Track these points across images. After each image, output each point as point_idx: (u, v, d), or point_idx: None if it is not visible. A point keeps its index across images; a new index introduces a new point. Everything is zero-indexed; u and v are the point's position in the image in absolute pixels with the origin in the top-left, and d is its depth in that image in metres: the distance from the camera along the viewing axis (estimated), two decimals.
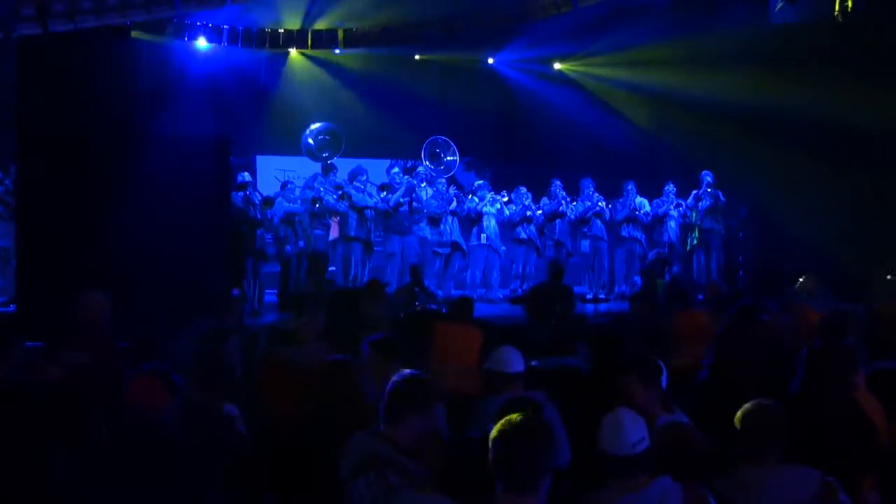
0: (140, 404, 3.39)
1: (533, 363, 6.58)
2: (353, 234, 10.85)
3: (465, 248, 11.53)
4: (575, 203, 12.08)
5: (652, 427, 3.21)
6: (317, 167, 11.87)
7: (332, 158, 11.75)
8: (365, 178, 11.14)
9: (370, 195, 11.00)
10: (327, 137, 11.96)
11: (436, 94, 14.46)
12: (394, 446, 3.13)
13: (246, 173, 10.40)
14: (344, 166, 11.74)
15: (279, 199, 10.48)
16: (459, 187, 12.80)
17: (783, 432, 3.22)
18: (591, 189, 12.12)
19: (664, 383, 3.99)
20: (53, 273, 7.56)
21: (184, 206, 7.95)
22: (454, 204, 11.47)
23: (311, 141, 11.87)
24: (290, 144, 12.95)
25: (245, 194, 10.06)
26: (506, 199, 11.83)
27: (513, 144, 14.77)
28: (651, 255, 11.17)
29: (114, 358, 4.86)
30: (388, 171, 11.90)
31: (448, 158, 12.07)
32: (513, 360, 4.53)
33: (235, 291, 6.61)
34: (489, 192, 11.81)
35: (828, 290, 7.55)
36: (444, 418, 3.98)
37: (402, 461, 3.09)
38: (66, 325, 5.06)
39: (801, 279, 7.73)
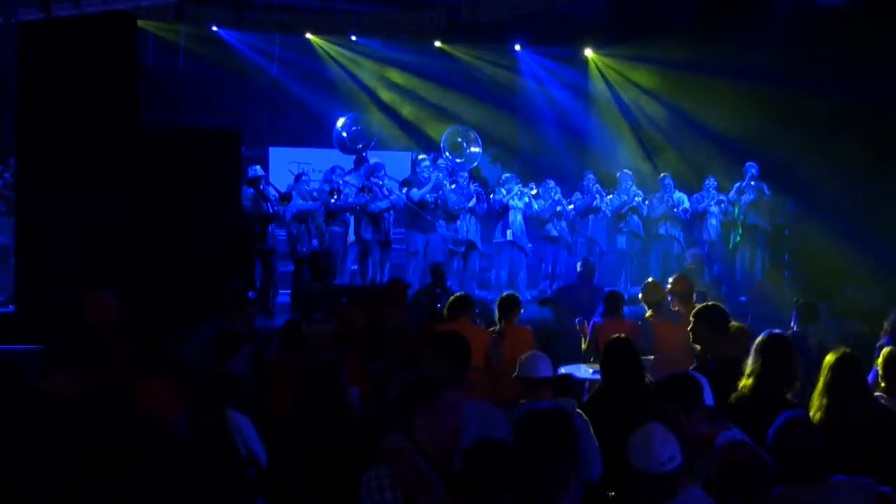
0: (152, 411, 3.41)
1: (563, 370, 6.64)
2: (369, 237, 10.88)
3: (480, 247, 11.53)
4: (610, 197, 12.04)
5: (709, 446, 3.22)
6: (334, 160, 11.90)
7: (366, 149, 11.78)
8: (383, 173, 11.17)
9: (389, 191, 11.00)
10: (358, 127, 12.06)
11: (460, 83, 14.47)
12: (415, 445, 3.19)
13: (258, 166, 10.47)
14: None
15: (292, 193, 10.51)
16: (483, 182, 12.82)
17: (823, 445, 3.20)
18: (629, 182, 12.09)
19: (709, 398, 3.85)
20: (54, 271, 7.63)
21: (192, 202, 8.01)
22: (473, 201, 11.44)
23: (344, 134, 11.99)
24: (304, 135, 13.04)
25: (257, 189, 10.12)
26: (534, 191, 11.82)
27: (542, 135, 14.74)
28: (688, 255, 11.10)
29: (124, 361, 4.89)
30: (416, 164, 11.84)
31: (471, 150, 12.08)
32: (539, 366, 4.58)
33: (251, 294, 6.63)
34: (517, 184, 11.79)
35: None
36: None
37: (419, 461, 3.16)
38: (70, 327, 5.11)
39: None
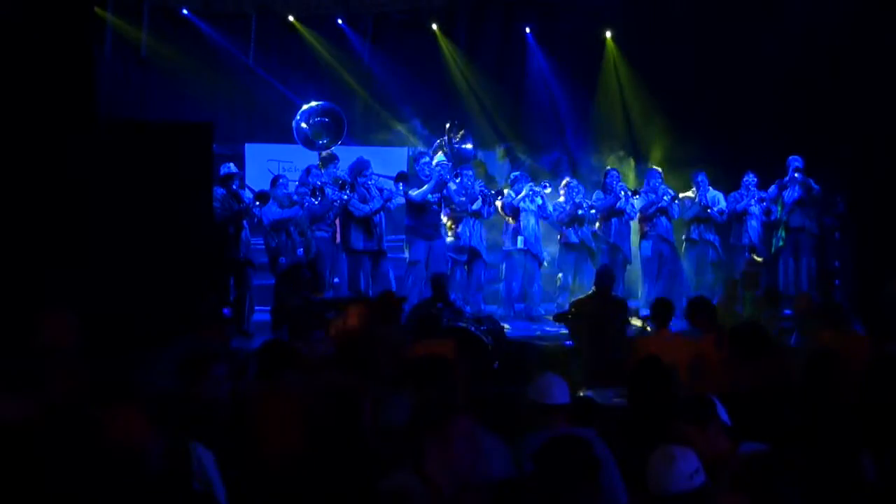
0: (121, 441, 3.41)
1: (587, 394, 6.60)
2: (360, 246, 10.84)
3: (484, 256, 11.50)
4: (637, 197, 11.98)
5: (732, 457, 3.37)
6: (312, 158, 11.90)
7: (331, 146, 11.72)
8: (370, 171, 11.10)
9: (380, 190, 10.92)
10: (325, 119, 11.93)
11: (460, 70, 14.46)
12: (426, 481, 3.15)
13: (231, 164, 10.43)
14: (347, 156, 11.76)
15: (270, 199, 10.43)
16: (490, 181, 12.80)
17: None
18: (658, 180, 12.04)
19: (724, 416, 4.12)
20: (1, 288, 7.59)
21: (157, 205, 7.96)
22: (478, 203, 11.42)
23: (304, 125, 11.85)
24: (285, 130, 13.02)
25: (230, 190, 10.07)
26: (548, 189, 11.78)
27: (559, 129, 14.71)
28: (744, 261, 11.08)
29: (86, 387, 4.86)
30: (415, 161, 11.78)
31: (466, 146, 12.03)
32: (554, 390, 4.55)
33: (226, 311, 6.62)
34: (528, 183, 11.75)
35: None
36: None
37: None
38: (23, 351, 5.08)
39: None
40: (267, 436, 4.70)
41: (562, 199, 11.87)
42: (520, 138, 14.52)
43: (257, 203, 10.20)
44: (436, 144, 12.06)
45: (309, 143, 11.80)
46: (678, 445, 3.28)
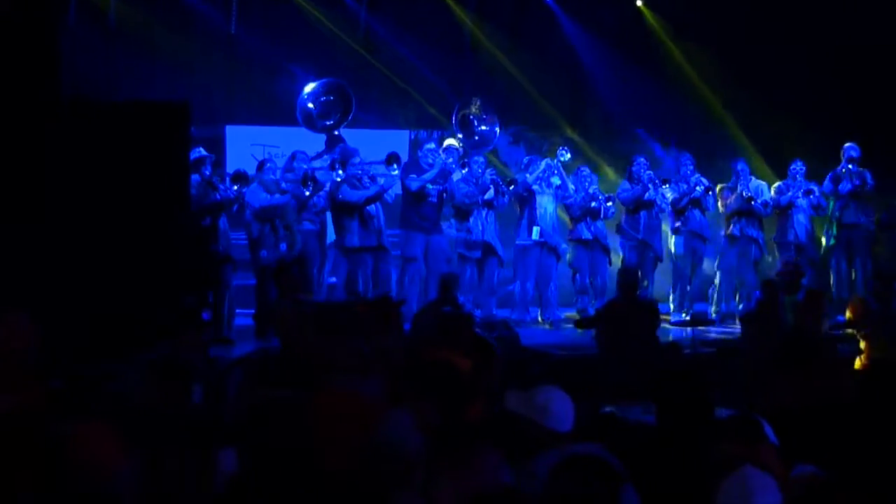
0: (86, 461, 3.40)
1: (607, 409, 6.60)
2: (356, 242, 10.80)
3: (501, 253, 11.50)
4: (667, 186, 11.96)
5: (786, 483, 3.34)
6: (301, 143, 11.91)
7: (339, 127, 11.76)
8: (359, 161, 11.05)
9: (372, 178, 10.88)
10: (331, 98, 11.98)
11: (471, 43, 14.42)
12: None
13: (201, 147, 10.40)
14: (349, 139, 11.84)
15: (254, 183, 10.43)
16: (503, 169, 12.79)
17: None
18: (691, 167, 12.04)
19: (772, 436, 4.08)
20: None
21: (127, 194, 7.97)
22: (490, 193, 11.40)
23: (311, 105, 11.93)
24: (272, 110, 13.01)
25: (203, 176, 10.04)
26: (567, 156, 11.79)
27: (580, 110, 14.68)
28: (780, 262, 11.03)
29: (44, 402, 4.87)
30: (419, 147, 11.79)
31: (483, 128, 12.03)
32: (555, 409, 4.48)
33: (205, 314, 6.64)
34: (540, 162, 11.73)
35: None
36: None
37: None
38: None
39: None
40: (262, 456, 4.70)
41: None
42: (538, 120, 14.45)
43: (235, 187, 10.17)
44: (457, 118, 11.97)
45: (313, 125, 11.88)
46: (755, 469, 3.21)
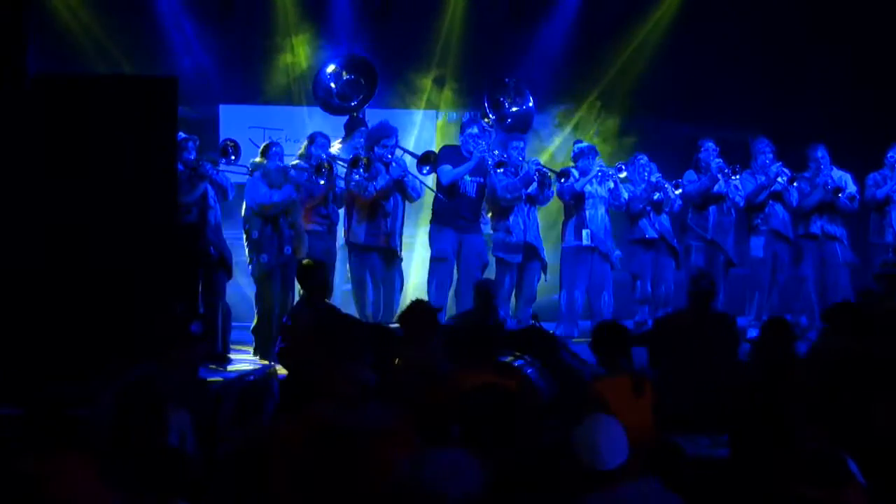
0: (64, 499, 3.45)
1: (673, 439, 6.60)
2: (362, 239, 10.89)
3: (543, 255, 11.52)
4: (738, 178, 11.87)
5: None
6: (315, 123, 12.04)
7: (362, 107, 11.87)
8: (394, 142, 11.13)
9: (387, 165, 10.90)
10: (352, 76, 12.08)
11: (506, 16, 14.46)
12: None
13: (181, 131, 10.39)
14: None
15: (257, 173, 10.38)
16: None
17: None
18: (770, 155, 11.95)
19: (859, 475, 4.18)
20: None
21: (107, 185, 8.03)
22: (533, 186, 11.39)
23: (332, 85, 12.06)
24: (271, 88, 13.08)
25: (187, 164, 10.00)
26: (623, 174, 11.76)
27: (635, 88, 14.68)
28: (878, 262, 10.98)
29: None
30: (462, 129, 11.83)
31: (514, 109, 12.02)
32: (605, 445, 4.48)
33: (195, 326, 6.65)
34: (595, 158, 11.71)
35: None
36: None
37: None
38: None
39: None
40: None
41: (625, 179, 11.76)
42: (584, 96, 14.48)
43: (220, 167, 10.27)
44: (488, 100, 11.94)
45: (331, 108, 12.03)
46: None
